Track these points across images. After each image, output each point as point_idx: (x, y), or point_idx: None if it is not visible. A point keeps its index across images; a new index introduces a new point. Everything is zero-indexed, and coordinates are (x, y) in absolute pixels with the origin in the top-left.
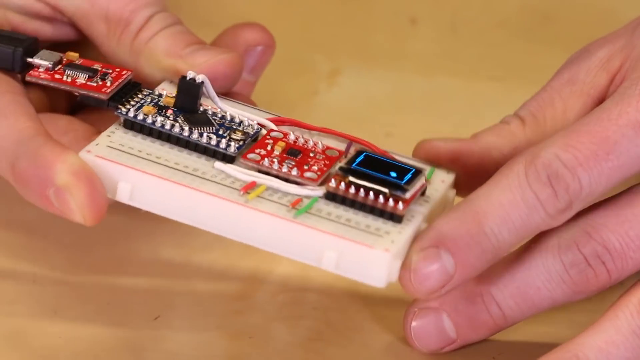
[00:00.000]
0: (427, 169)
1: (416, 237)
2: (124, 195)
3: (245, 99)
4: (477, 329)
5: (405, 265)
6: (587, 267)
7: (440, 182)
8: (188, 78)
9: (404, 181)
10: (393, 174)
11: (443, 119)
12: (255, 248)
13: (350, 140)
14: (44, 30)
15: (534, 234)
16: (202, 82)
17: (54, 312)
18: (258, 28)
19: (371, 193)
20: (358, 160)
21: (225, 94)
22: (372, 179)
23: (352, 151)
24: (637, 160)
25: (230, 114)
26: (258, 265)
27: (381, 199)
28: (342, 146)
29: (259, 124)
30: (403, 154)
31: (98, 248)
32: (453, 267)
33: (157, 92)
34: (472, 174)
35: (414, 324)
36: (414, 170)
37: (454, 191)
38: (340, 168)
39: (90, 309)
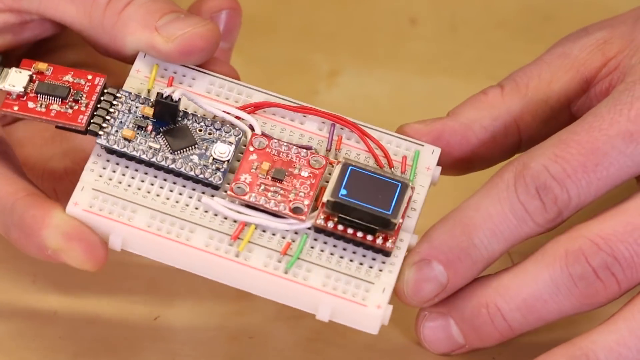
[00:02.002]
0: (409, 180)
1: (408, 251)
2: (116, 245)
3: (224, 66)
4: (482, 339)
5: (399, 278)
6: (595, 279)
7: (425, 170)
8: (164, 96)
9: (391, 210)
10: (382, 197)
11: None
12: None
13: (333, 124)
14: (18, 38)
15: (523, 241)
16: (179, 100)
17: (53, 312)
18: None
19: (360, 232)
20: (344, 182)
21: (203, 64)
22: (360, 215)
23: (335, 138)
24: (626, 170)
25: (211, 118)
26: None
27: (369, 237)
28: (324, 130)
29: (237, 117)
30: (387, 130)
31: None
32: (445, 278)
33: (133, 95)
34: (456, 151)
35: (424, 327)
36: (400, 185)
37: (439, 168)
38: (328, 202)
39: (90, 309)
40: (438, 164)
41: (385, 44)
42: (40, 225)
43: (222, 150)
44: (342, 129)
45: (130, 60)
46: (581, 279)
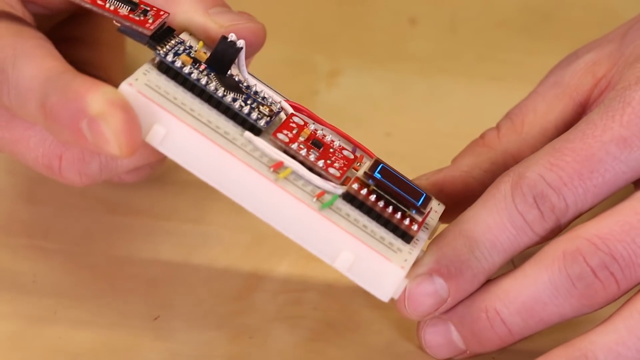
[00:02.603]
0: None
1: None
2: (155, 138)
3: None
4: (483, 344)
5: (412, 264)
6: (594, 279)
7: (434, 212)
8: (229, 40)
9: (420, 203)
10: (408, 193)
11: (443, 119)
12: (254, 250)
13: (355, 146)
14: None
15: (523, 250)
16: (242, 48)
17: (54, 312)
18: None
19: (390, 206)
20: (378, 169)
21: None
22: (394, 194)
23: (357, 155)
24: (622, 176)
25: (255, 88)
26: (258, 265)
27: (398, 215)
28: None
29: (276, 100)
30: (401, 173)
31: (98, 248)
32: (446, 292)
33: (188, 43)
34: (459, 200)
35: (425, 332)
36: (425, 195)
37: (439, 223)
38: (365, 173)
39: (90, 309)
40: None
41: (385, 44)
42: (88, 90)
43: (266, 109)
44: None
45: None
46: (580, 280)
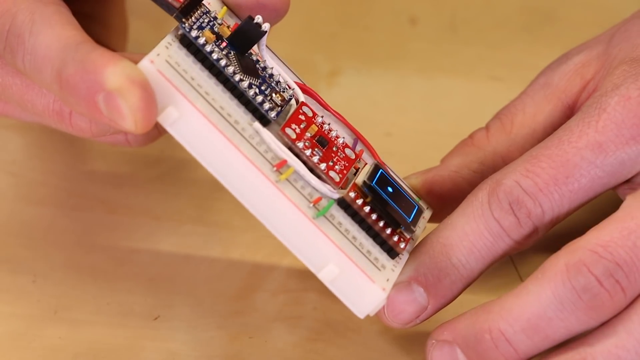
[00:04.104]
0: (425, 209)
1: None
2: (167, 120)
3: None
4: None
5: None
6: (600, 289)
7: (422, 218)
8: (255, 21)
9: (410, 219)
10: (402, 205)
11: (443, 119)
12: (254, 250)
13: (357, 138)
14: None
15: (503, 258)
16: (266, 32)
17: (54, 312)
18: None
19: (382, 221)
20: (376, 178)
21: None
22: (387, 208)
23: (357, 151)
24: (598, 181)
25: (271, 71)
26: (258, 265)
27: (388, 230)
28: (347, 139)
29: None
30: (395, 173)
31: (98, 248)
32: (425, 299)
33: (213, 14)
34: (447, 200)
35: (432, 356)
36: (417, 207)
37: (426, 225)
38: (364, 183)
39: (90, 309)
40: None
41: (385, 44)
42: (107, 62)
43: (278, 97)
44: (362, 148)
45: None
46: (585, 291)
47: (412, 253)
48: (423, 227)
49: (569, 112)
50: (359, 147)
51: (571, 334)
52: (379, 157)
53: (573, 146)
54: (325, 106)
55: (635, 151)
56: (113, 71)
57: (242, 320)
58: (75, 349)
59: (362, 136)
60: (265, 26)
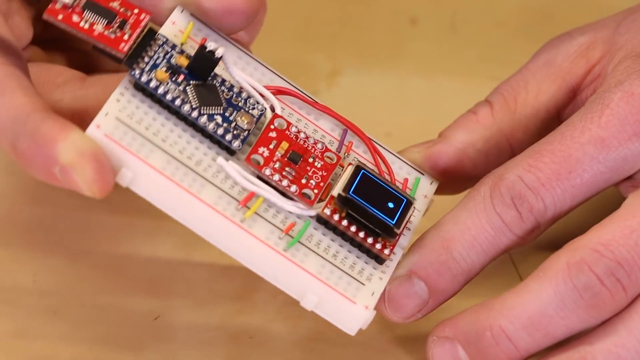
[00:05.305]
0: (415, 200)
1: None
2: (124, 180)
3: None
4: None
5: (380, 294)
6: (601, 287)
7: (423, 197)
8: (207, 50)
9: (394, 221)
10: (391, 204)
11: (443, 119)
12: None
13: (346, 128)
14: None
15: (505, 253)
16: (220, 58)
17: (54, 312)
18: None
19: (363, 231)
20: (355, 182)
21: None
22: (367, 217)
23: (346, 143)
24: (601, 176)
25: (238, 88)
26: None
27: (370, 239)
28: (336, 131)
29: (261, 95)
30: (393, 151)
31: (98, 248)
32: (426, 293)
33: (170, 43)
34: (451, 175)
35: (433, 353)
36: (405, 201)
37: (432, 200)
38: (339, 196)
39: (91, 309)
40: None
41: (385, 44)
42: (56, 137)
43: (246, 119)
44: (353, 136)
45: (163, 18)
46: (586, 289)
47: (413, 246)
48: (425, 206)
49: (572, 95)
50: (348, 139)
51: (572, 331)
52: (370, 142)
53: (576, 141)
54: (309, 102)
55: (638, 147)
56: (63, 146)
57: (242, 320)
58: (75, 349)
59: (351, 124)
60: (219, 52)
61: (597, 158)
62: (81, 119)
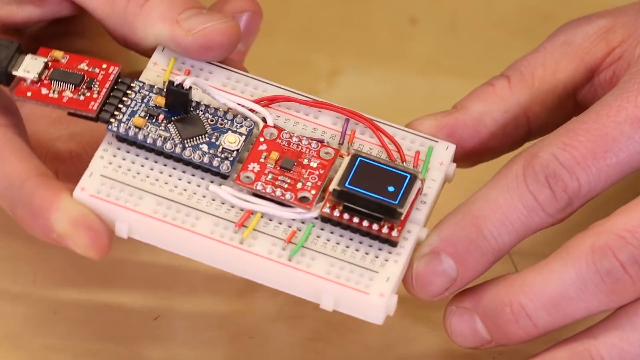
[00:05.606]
0: (420, 172)
1: (417, 244)
2: (122, 232)
3: (237, 67)
4: (508, 336)
5: (407, 272)
6: (624, 274)
7: (438, 165)
8: (175, 85)
9: (397, 200)
10: (392, 188)
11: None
12: None
13: (347, 118)
14: (35, 13)
15: (535, 232)
16: (190, 88)
17: (54, 312)
18: None
19: (365, 220)
20: (352, 173)
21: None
22: (366, 204)
23: (348, 132)
24: (636, 156)
25: (223, 110)
26: None
27: (375, 226)
28: (338, 124)
29: (251, 110)
30: (401, 127)
31: None
32: (455, 271)
33: (147, 86)
34: (468, 145)
35: (450, 320)
36: (409, 177)
37: (454, 165)
38: (334, 191)
39: (90, 309)
40: (452, 161)
41: (385, 44)
42: (49, 207)
43: (232, 139)
44: (356, 124)
45: (147, 53)
46: (609, 275)
47: (441, 222)
48: (442, 174)
49: (590, 75)
50: (350, 128)
51: (591, 313)
52: (371, 122)
53: (612, 120)
54: (305, 103)
55: None
56: (57, 218)
57: (242, 320)
58: (75, 349)
59: (353, 112)
60: (187, 83)
61: (634, 138)
62: (79, 157)
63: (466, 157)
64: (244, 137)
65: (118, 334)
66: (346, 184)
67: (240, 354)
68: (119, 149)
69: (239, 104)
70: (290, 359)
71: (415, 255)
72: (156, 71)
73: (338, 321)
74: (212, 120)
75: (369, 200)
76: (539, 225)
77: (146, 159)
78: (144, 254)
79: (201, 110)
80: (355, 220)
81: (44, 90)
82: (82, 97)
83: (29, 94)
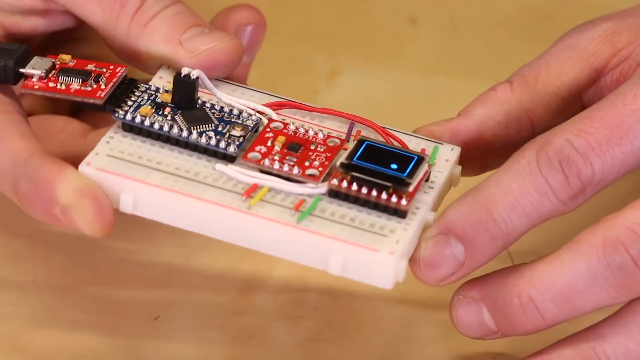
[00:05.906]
0: (428, 156)
1: (424, 227)
2: (127, 206)
3: (241, 81)
4: (515, 328)
5: (415, 253)
6: (635, 268)
7: (444, 161)
8: (182, 75)
9: (406, 173)
10: (395, 166)
11: (443, 119)
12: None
13: (352, 121)
14: (40, 24)
15: (546, 219)
16: (197, 78)
17: (54, 312)
18: (248, 8)
19: (374, 189)
20: (359, 152)
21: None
22: (374, 174)
23: (353, 133)
24: None
25: (229, 106)
26: (258, 265)
27: (384, 195)
28: (343, 128)
29: (258, 112)
30: (406, 131)
31: (98, 248)
32: (462, 254)
33: (153, 87)
34: (472, 149)
35: (457, 310)
36: (416, 158)
37: (459, 167)
38: (342, 164)
39: (91, 310)
40: (458, 164)
41: (385, 44)
42: (54, 180)
43: (239, 129)
44: (363, 127)
45: (152, 71)
46: (620, 269)
47: (451, 205)
48: (446, 170)
49: (596, 77)
50: (355, 130)
51: (600, 306)
52: (380, 127)
53: (627, 108)
54: (308, 109)
55: None
56: (62, 187)
57: (242, 320)
58: (75, 349)
59: (357, 117)
60: (194, 74)
61: None
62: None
63: (471, 161)
64: (250, 127)
65: (118, 334)
66: (354, 160)
67: (240, 353)
68: (124, 137)
69: (247, 106)
70: (290, 359)
71: (423, 236)
72: (162, 83)
73: (338, 321)
74: (218, 115)
75: (378, 171)
76: (550, 211)
77: (152, 145)
78: (144, 254)
79: (208, 107)
80: (364, 190)
81: (51, 84)
82: (89, 88)
83: (36, 87)
